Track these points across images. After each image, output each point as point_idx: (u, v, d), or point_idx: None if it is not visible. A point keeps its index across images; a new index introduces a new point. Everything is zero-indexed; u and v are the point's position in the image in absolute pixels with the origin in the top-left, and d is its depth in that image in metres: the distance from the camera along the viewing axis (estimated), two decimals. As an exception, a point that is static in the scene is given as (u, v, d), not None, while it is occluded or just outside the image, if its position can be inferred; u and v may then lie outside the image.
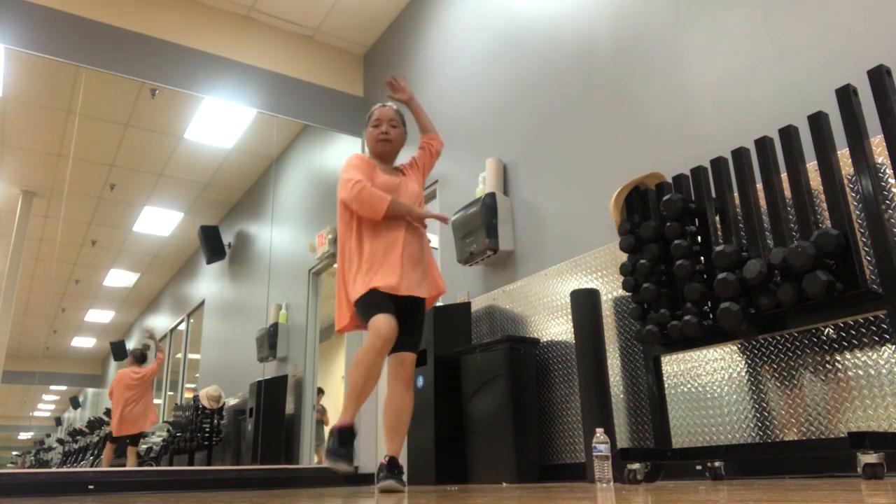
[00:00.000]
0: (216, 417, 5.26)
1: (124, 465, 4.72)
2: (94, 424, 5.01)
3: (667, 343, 2.50)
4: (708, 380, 2.64)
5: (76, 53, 4.78)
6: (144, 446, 5.15)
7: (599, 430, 2.29)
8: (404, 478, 2.50)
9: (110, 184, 5.24)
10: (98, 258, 5.28)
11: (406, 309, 2.64)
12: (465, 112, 4.61)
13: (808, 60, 2.51)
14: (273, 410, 5.22)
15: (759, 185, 2.47)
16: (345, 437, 2.40)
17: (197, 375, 5.56)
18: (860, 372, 2.16)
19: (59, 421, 5.07)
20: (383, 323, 2.42)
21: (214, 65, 5.41)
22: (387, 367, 2.63)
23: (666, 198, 2.50)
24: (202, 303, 5.74)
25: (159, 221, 5.52)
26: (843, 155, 2.27)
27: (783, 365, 2.39)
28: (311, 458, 5.30)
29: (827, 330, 2.27)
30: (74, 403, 5.10)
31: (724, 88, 2.81)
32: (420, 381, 3.74)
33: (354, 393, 2.42)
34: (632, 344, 3.00)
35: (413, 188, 2.79)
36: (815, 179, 2.33)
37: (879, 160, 2.19)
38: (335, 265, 5.77)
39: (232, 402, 5.40)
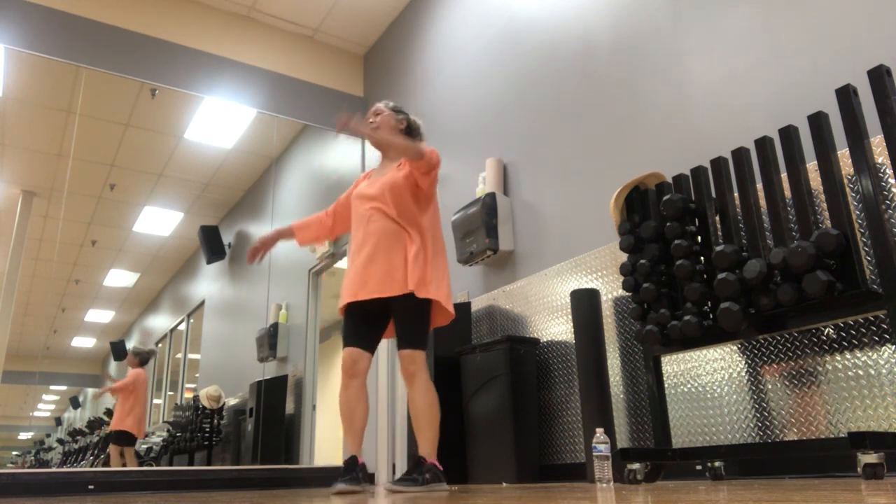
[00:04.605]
0: (216, 417, 5.26)
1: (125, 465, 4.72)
2: (94, 424, 5.01)
3: (667, 343, 2.50)
4: (708, 380, 2.64)
5: (76, 53, 4.78)
6: (144, 446, 5.15)
7: (599, 430, 2.29)
8: (428, 476, 2.48)
9: (110, 184, 5.24)
10: (98, 258, 5.28)
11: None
12: (465, 112, 4.61)
13: (808, 60, 2.51)
14: (273, 410, 5.22)
15: (759, 185, 2.47)
16: (348, 466, 2.55)
17: (197, 375, 5.56)
18: (860, 372, 2.16)
19: (59, 421, 5.07)
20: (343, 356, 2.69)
21: (214, 65, 5.41)
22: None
23: (666, 198, 2.50)
24: (202, 303, 5.74)
25: (159, 221, 5.52)
26: (843, 155, 2.27)
27: (783, 365, 2.39)
28: (312, 458, 5.30)
29: (827, 330, 2.27)
30: (74, 403, 5.10)
31: (724, 88, 2.81)
32: (420, 381, 3.73)
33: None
34: (632, 344, 3.00)
35: (388, 178, 2.77)
36: (815, 179, 2.33)
37: (879, 160, 2.19)
38: (335, 265, 5.77)
39: (232, 402, 5.40)
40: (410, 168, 2.71)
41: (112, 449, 4.76)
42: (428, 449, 2.55)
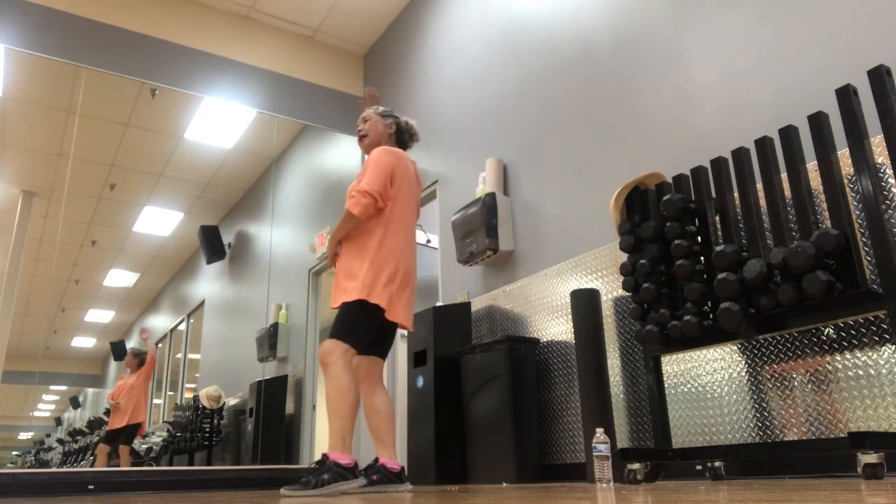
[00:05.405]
0: (216, 417, 5.26)
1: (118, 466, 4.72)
2: (94, 424, 5.00)
3: (667, 343, 2.50)
4: (708, 380, 2.64)
5: (76, 53, 4.78)
6: (144, 446, 5.15)
7: (599, 430, 2.29)
8: (326, 477, 2.40)
9: (110, 184, 5.24)
10: (98, 258, 5.27)
11: None
12: (465, 112, 4.61)
13: (808, 60, 2.51)
14: (273, 410, 5.22)
15: (759, 185, 2.47)
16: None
17: (197, 375, 5.56)
18: (860, 372, 2.16)
19: (59, 421, 5.07)
20: None
21: (214, 65, 5.41)
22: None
23: (666, 198, 2.50)
24: (202, 303, 5.74)
25: (159, 221, 5.51)
26: (843, 155, 2.27)
27: (783, 365, 2.39)
28: (312, 458, 5.30)
29: (827, 330, 2.27)
30: (74, 403, 5.10)
31: (724, 88, 2.81)
32: (420, 382, 3.74)
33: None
34: (632, 344, 3.00)
35: (350, 187, 2.85)
36: (815, 179, 2.33)
37: (879, 160, 2.19)
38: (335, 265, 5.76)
39: (232, 402, 5.40)
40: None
41: (121, 449, 4.76)
42: (332, 442, 2.44)
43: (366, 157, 3.10)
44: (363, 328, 2.59)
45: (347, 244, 2.74)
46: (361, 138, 2.96)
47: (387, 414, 2.65)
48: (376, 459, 2.59)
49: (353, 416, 2.49)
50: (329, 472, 2.35)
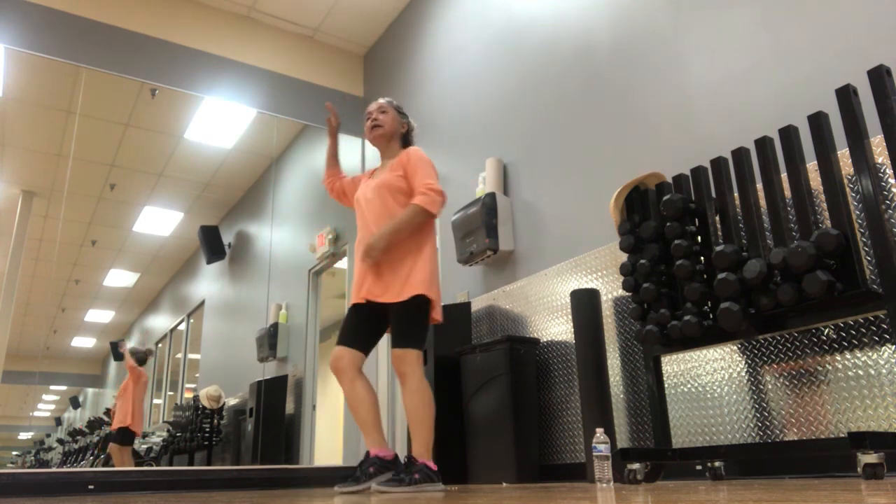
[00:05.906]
0: (216, 417, 5.26)
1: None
2: (94, 424, 5.00)
3: (667, 343, 2.50)
4: (708, 380, 2.64)
5: (76, 53, 4.78)
6: (144, 446, 5.15)
7: (599, 430, 2.29)
8: (417, 477, 2.45)
9: (110, 184, 5.24)
10: (98, 258, 5.28)
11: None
12: (465, 112, 4.61)
13: (808, 60, 2.51)
14: (273, 410, 5.22)
15: (759, 185, 2.47)
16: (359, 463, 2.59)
17: (197, 375, 5.56)
18: (860, 372, 2.16)
19: (59, 421, 5.07)
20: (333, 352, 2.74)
21: (214, 65, 5.41)
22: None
23: (666, 198, 2.50)
24: (202, 303, 5.74)
25: (159, 221, 5.52)
26: (843, 155, 2.27)
27: (783, 365, 2.39)
28: (312, 458, 5.30)
29: (827, 330, 2.27)
30: (74, 403, 5.10)
31: (724, 88, 2.81)
32: (420, 381, 3.73)
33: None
34: (632, 344, 3.00)
35: (384, 180, 2.81)
36: (815, 179, 2.33)
37: (879, 160, 2.19)
38: (335, 265, 5.77)
39: (232, 402, 5.40)
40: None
41: (121, 450, 4.76)
42: (419, 448, 2.54)
43: (369, 146, 3.11)
44: (424, 326, 2.67)
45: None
46: (374, 128, 2.89)
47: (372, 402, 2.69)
48: (368, 453, 2.59)
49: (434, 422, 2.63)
50: (420, 473, 2.45)
